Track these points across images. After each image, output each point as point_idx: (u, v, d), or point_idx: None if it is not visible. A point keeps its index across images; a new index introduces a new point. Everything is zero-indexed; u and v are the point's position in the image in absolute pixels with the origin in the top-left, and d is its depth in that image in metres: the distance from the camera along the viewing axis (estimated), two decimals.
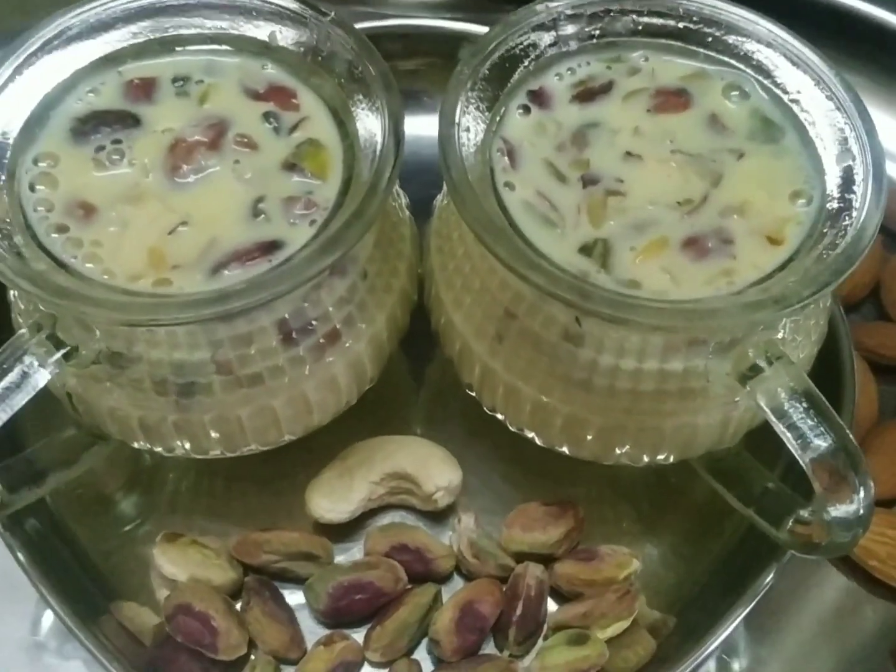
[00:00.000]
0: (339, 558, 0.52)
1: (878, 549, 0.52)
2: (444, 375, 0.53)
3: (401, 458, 0.52)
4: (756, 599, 0.48)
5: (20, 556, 0.49)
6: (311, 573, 0.50)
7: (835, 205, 0.43)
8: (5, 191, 0.43)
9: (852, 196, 0.43)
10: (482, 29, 0.64)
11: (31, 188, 0.44)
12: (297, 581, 0.51)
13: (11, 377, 0.41)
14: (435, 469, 0.51)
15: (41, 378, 0.42)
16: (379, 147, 0.43)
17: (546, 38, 0.47)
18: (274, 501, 0.54)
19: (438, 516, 0.53)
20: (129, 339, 0.43)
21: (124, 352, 0.43)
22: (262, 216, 0.44)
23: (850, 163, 0.44)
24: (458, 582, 0.52)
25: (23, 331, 0.42)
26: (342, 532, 0.52)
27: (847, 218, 0.42)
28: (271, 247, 0.43)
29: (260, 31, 0.48)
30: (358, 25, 0.63)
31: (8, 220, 0.42)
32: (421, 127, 0.65)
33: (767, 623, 0.52)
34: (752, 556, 0.50)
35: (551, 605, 0.51)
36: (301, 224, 0.43)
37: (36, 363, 0.42)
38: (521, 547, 0.51)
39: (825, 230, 0.42)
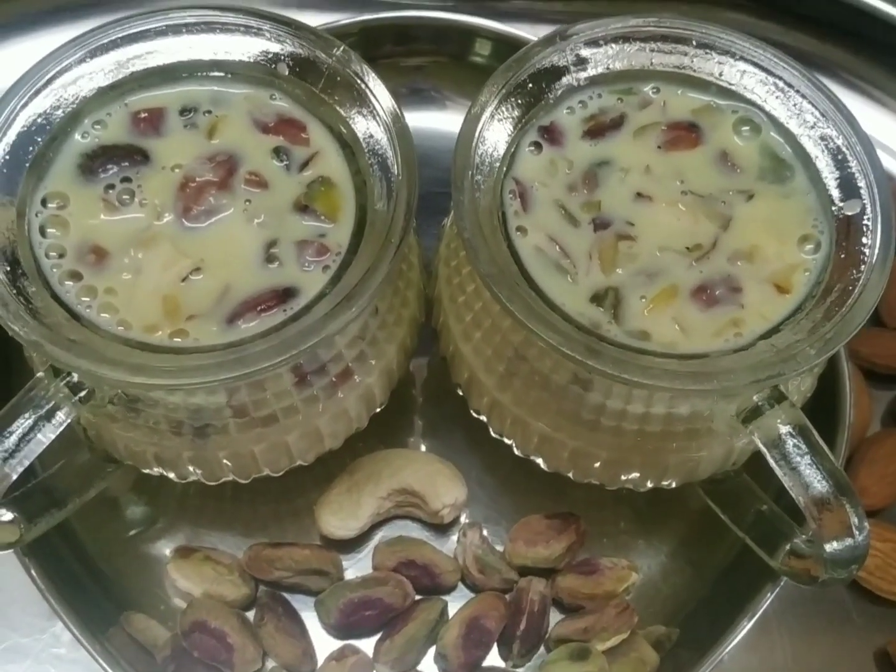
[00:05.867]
0: (349, 570, 0.53)
1: (867, 561, 0.53)
2: (447, 379, 0.53)
3: (408, 474, 0.53)
4: (759, 613, 0.50)
5: (31, 569, 0.50)
6: (322, 587, 0.52)
7: (843, 254, 0.44)
8: (17, 234, 0.43)
9: (860, 248, 0.43)
10: (485, 22, 0.63)
11: (42, 232, 0.44)
12: (308, 593, 0.53)
13: (31, 423, 0.42)
14: (441, 487, 0.53)
15: (60, 423, 0.42)
16: (394, 191, 0.43)
17: (559, 71, 0.47)
18: (282, 511, 0.55)
19: (443, 526, 0.54)
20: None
21: (141, 396, 0.44)
22: (276, 262, 0.44)
23: (858, 211, 0.44)
24: (463, 592, 0.53)
25: (40, 374, 0.43)
26: (351, 544, 0.54)
27: (855, 271, 0.43)
28: (286, 295, 0.43)
29: (266, 57, 0.47)
30: (359, 18, 0.62)
31: (21, 268, 0.42)
32: (422, 120, 0.65)
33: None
34: (753, 567, 0.51)
35: (553, 615, 0.53)
36: (314, 270, 0.44)
37: (55, 408, 0.42)
38: (524, 561, 0.53)
39: (833, 282, 0.43)
